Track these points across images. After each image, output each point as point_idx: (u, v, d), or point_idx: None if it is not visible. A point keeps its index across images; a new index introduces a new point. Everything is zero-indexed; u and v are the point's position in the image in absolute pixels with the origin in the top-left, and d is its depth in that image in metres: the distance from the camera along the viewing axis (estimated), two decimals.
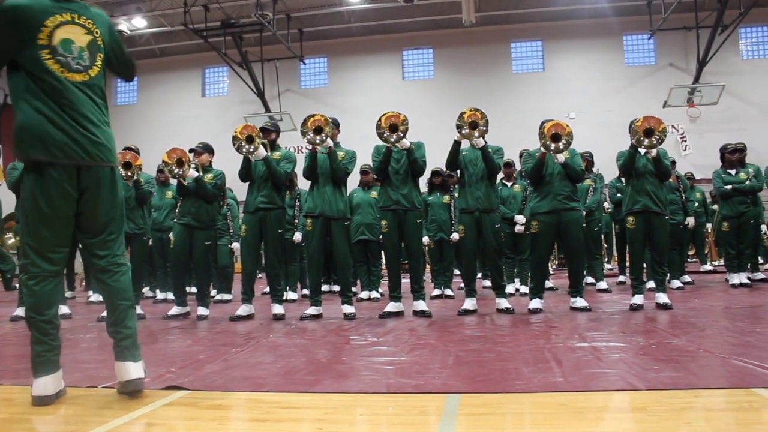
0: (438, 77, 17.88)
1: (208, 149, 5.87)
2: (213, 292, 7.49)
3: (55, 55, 2.36)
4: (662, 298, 5.26)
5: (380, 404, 2.33)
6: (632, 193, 5.38)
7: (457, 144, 5.28)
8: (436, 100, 16.98)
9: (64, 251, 2.46)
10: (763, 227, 8.04)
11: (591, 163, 7.27)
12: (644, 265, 5.54)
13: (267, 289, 6.67)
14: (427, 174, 5.94)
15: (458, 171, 5.60)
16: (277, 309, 5.38)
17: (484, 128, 5.11)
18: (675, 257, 7.32)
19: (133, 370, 2.42)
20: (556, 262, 12.25)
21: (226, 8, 15.63)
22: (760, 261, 8.76)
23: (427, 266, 8.71)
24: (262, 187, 5.39)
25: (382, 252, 6.84)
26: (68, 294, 7.61)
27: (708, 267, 10.44)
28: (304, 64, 17.89)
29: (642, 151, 5.25)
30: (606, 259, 10.05)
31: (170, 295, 7.06)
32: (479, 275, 7.87)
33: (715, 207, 8.92)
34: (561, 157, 5.20)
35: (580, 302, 5.26)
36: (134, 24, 17.01)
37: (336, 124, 5.42)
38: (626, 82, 16.74)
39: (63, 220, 2.42)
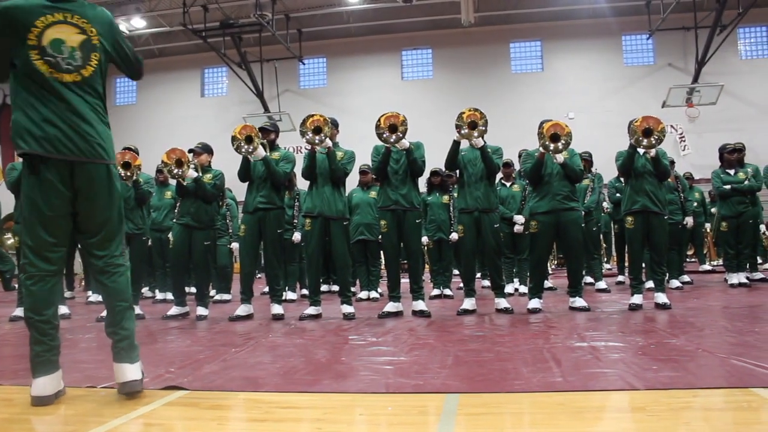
0: (437, 77, 17.88)
1: (207, 149, 5.87)
2: (212, 292, 7.49)
3: (44, 55, 2.36)
4: (661, 297, 5.27)
5: (379, 404, 2.33)
6: (631, 193, 5.38)
7: (456, 144, 5.28)
8: (435, 100, 16.98)
9: (61, 251, 2.45)
10: (762, 227, 8.06)
11: (590, 163, 7.27)
12: (643, 265, 5.54)
13: (266, 289, 6.66)
14: (426, 174, 5.94)
15: (457, 171, 5.60)
16: (277, 309, 5.38)
17: (484, 128, 5.11)
18: (674, 257, 7.33)
19: (129, 371, 2.41)
20: (555, 262, 12.25)
21: (225, 8, 15.62)
22: (759, 261, 8.77)
23: (426, 266, 8.71)
24: (261, 188, 5.39)
25: (381, 252, 6.84)
26: (67, 294, 7.61)
27: (707, 267, 10.45)
28: (303, 64, 17.89)
29: (641, 151, 5.25)
30: (605, 259, 10.05)
31: (169, 295, 7.06)
32: (478, 275, 7.87)
33: (714, 210, 8.91)
34: (560, 157, 5.20)
35: (579, 302, 5.26)
36: (133, 24, 17.00)
37: (335, 125, 5.42)
38: (625, 82, 16.75)
39: (58, 219, 2.41)
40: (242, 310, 5.39)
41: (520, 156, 6.37)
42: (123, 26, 16.59)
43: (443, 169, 6.20)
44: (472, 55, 17.42)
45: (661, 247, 5.39)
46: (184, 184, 5.51)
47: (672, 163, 6.76)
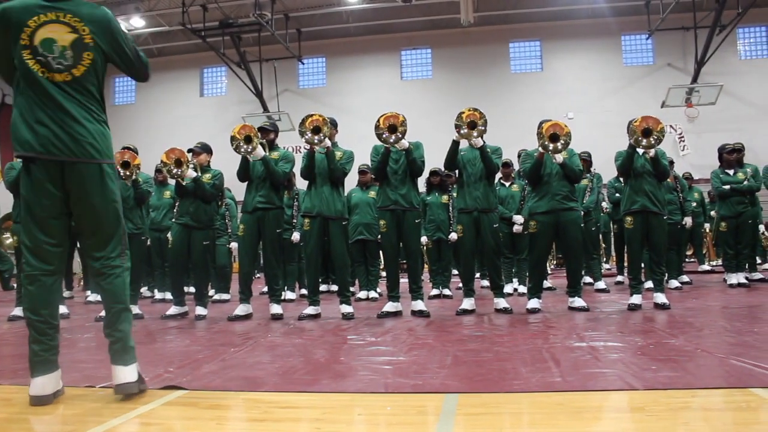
0: (436, 77, 17.88)
1: (206, 149, 5.87)
2: (211, 292, 7.48)
3: (35, 55, 2.36)
4: (660, 298, 5.27)
5: (378, 404, 2.33)
6: (630, 193, 5.38)
7: (455, 144, 5.28)
8: (434, 100, 16.98)
9: (58, 250, 2.44)
10: (761, 227, 8.06)
11: (589, 163, 7.28)
12: (642, 265, 5.54)
13: (265, 289, 6.66)
14: (425, 174, 5.94)
15: (456, 171, 5.60)
16: (276, 309, 5.38)
17: (483, 128, 5.11)
18: (673, 257, 7.34)
19: (122, 374, 2.39)
20: (555, 262, 12.25)
21: (225, 8, 15.61)
22: (758, 261, 8.77)
23: (426, 266, 8.72)
24: (260, 187, 5.39)
25: (381, 252, 6.84)
26: (66, 294, 7.60)
27: (706, 267, 10.45)
28: (303, 64, 17.90)
29: (640, 151, 5.26)
30: (604, 259, 10.04)
31: (168, 295, 7.06)
32: (477, 275, 7.87)
33: (713, 213, 8.91)
34: (559, 158, 5.20)
35: (579, 302, 5.26)
36: (132, 24, 16.98)
37: (334, 124, 5.42)
38: (624, 82, 16.76)
39: (51, 219, 2.40)
40: (241, 309, 5.39)
41: (519, 156, 6.37)
42: (122, 26, 16.51)
43: (442, 169, 6.19)
44: (472, 55, 17.42)
45: (661, 247, 5.40)
46: (183, 183, 5.50)
47: (671, 163, 6.77)
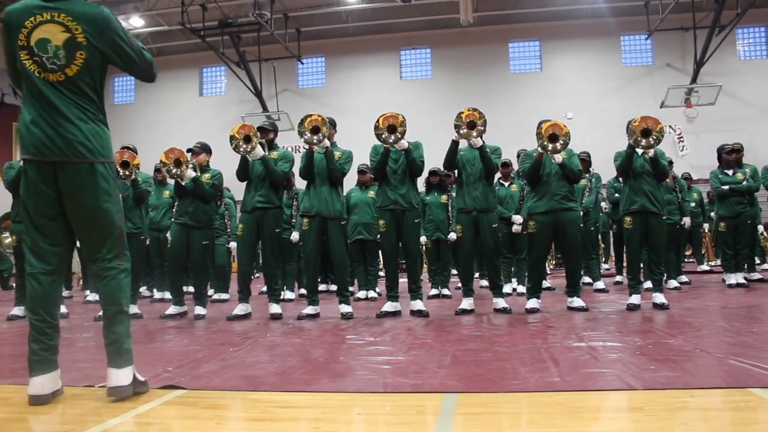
0: (436, 77, 17.88)
1: (205, 149, 5.86)
2: (210, 292, 7.48)
3: (32, 55, 2.37)
4: (659, 298, 5.27)
5: (377, 404, 2.33)
6: (630, 193, 5.39)
7: (455, 144, 5.27)
8: (433, 100, 16.98)
9: (56, 250, 2.44)
10: (760, 227, 8.06)
11: (588, 163, 7.28)
12: (641, 265, 5.55)
13: (264, 289, 6.66)
14: (424, 174, 5.94)
15: (456, 171, 5.60)
16: (275, 308, 5.38)
17: (482, 128, 5.11)
18: (672, 257, 7.34)
19: (115, 377, 2.37)
20: (554, 262, 12.25)
21: (224, 8, 15.60)
22: (757, 261, 8.78)
23: (425, 266, 8.72)
24: (259, 187, 5.39)
25: (380, 251, 6.84)
26: (65, 293, 7.59)
27: (705, 267, 10.46)
28: (302, 63, 17.89)
29: (639, 151, 5.26)
30: (603, 259, 10.05)
31: (167, 295, 7.06)
32: (476, 275, 7.87)
33: (712, 214, 8.92)
34: (558, 158, 5.21)
35: (577, 302, 5.26)
36: (131, 23, 16.96)
37: (333, 124, 5.42)
38: (624, 83, 16.76)
39: (48, 220, 2.41)
40: (240, 309, 5.39)
41: (518, 156, 6.38)
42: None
43: (442, 169, 6.20)
44: (471, 54, 17.42)
45: (660, 247, 5.40)
46: (183, 183, 5.50)
47: (670, 163, 6.77)
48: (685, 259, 10.28)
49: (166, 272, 7.02)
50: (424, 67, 18.17)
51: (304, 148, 5.30)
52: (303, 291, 7.06)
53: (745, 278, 7.26)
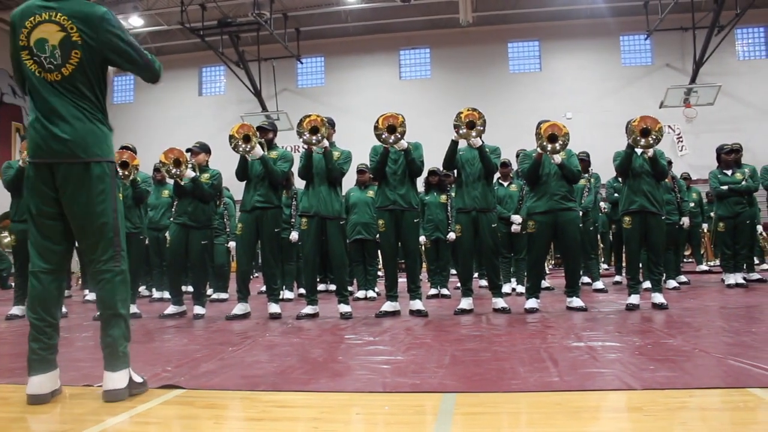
0: (435, 77, 17.88)
1: (205, 149, 5.86)
2: (209, 291, 7.48)
3: (32, 55, 2.37)
4: (658, 297, 5.28)
5: (376, 403, 2.33)
6: (629, 193, 5.39)
7: (454, 144, 5.27)
8: (433, 100, 16.98)
9: (57, 249, 2.44)
10: (759, 227, 8.06)
11: (587, 163, 7.28)
12: (640, 265, 5.55)
13: (263, 288, 6.66)
14: (424, 174, 5.93)
15: (455, 171, 5.60)
16: (274, 308, 5.38)
17: (482, 128, 5.11)
18: (670, 257, 7.34)
19: (110, 380, 2.36)
20: (553, 262, 12.26)
21: (223, 7, 15.59)
22: (756, 261, 8.78)
23: (424, 266, 8.71)
24: (258, 187, 5.39)
25: (379, 251, 6.84)
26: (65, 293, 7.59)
27: (704, 267, 10.46)
28: (301, 63, 17.88)
29: (639, 151, 5.26)
30: (602, 259, 10.06)
31: (166, 294, 7.06)
32: (476, 275, 7.88)
33: (712, 215, 8.92)
34: (557, 158, 5.21)
35: (577, 302, 5.27)
36: (131, 23, 16.94)
37: (331, 124, 5.42)
38: (623, 83, 16.77)
39: (48, 219, 2.41)
40: (239, 309, 5.38)
41: (517, 156, 6.38)
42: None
43: (441, 169, 6.19)
44: (470, 54, 17.42)
45: (659, 247, 5.40)
46: (182, 183, 5.50)
47: (669, 163, 6.77)
48: (684, 259, 10.28)
49: (165, 272, 7.02)
50: (423, 67, 18.18)
51: (303, 147, 5.30)
52: (302, 291, 7.06)
53: (744, 278, 7.27)
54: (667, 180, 6.68)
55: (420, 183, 6.28)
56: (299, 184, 6.19)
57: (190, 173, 5.47)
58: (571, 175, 5.29)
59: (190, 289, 6.45)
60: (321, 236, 5.36)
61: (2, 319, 5.65)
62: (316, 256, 5.47)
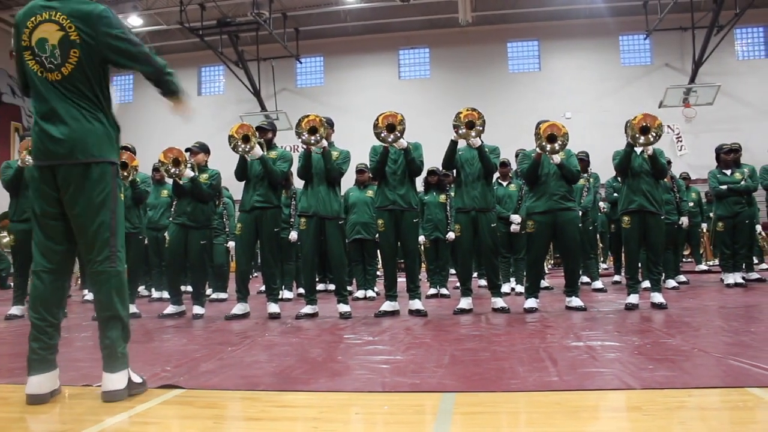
0: (434, 76, 17.88)
1: (204, 149, 5.86)
2: (208, 291, 7.47)
3: (34, 55, 2.37)
4: (657, 297, 5.28)
5: (376, 403, 2.33)
6: (628, 192, 5.39)
7: (453, 144, 5.27)
8: (432, 100, 16.98)
9: (59, 249, 2.44)
10: (758, 227, 8.07)
11: (587, 163, 7.29)
12: (639, 265, 5.55)
13: (263, 288, 6.66)
14: (423, 173, 5.93)
15: (454, 170, 5.60)
16: (273, 308, 5.38)
17: (481, 128, 5.11)
18: (670, 257, 7.34)
19: (109, 381, 2.36)
20: (552, 262, 12.26)
21: (222, 7, 15.58)
22: (755, 261, 8.79)
23: (423, 265, 8.71)
24: (258, 186, 5.39)
25: (378, 251, 6.83)
26: None
27: (703, 267, 10.47)
28: (301, 63, 17.88)
29: (638, 150, 5.26)
30: (601, 259, 10.06)
31: (166, 294, 7.06)
32: (475, 274, 7.88)
33: (711, 215, 8.93)
34: (557, 158, 5.21)
35: (576, 302, 5.27)
36: (130, 22, 16.92)
37: (330, 124, 5.42)
38: (622, 82, 16.78)
39: (50, 219, 2.41)
40: (238, 308, 5.38)
41: (517, 156, 6.38)
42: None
43: (440, 169, 6.19)
44: (470, 54, 17.42)
45: (658, 246, 5.40)
46: (181, 183, 5.49)
47: (669, 163, 6.77)
48: (684, 259, 10.28)
49: (164, 272, 7.02)
50: (422, 67, 18.18)
51: (302, 147, 5.30)
52: (301, 290, 7.06)
53: (743, 278, 7.27)
54: (666, 180, 6.69)
55: (419, 183, 6.28)
56: (298, 183, 6.19)
57: (189, 173, 5.47)
58: (570, 175, 5.29)
59: (189, 288, 6.45)
60: (320, 236, 5.36)
61: (1, 319, 5.65)
62: (315, 256, 5.47)
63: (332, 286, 7.16)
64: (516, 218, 7.08)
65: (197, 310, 5.55)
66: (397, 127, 5.02)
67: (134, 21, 16.99)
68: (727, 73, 15.79)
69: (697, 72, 14.81)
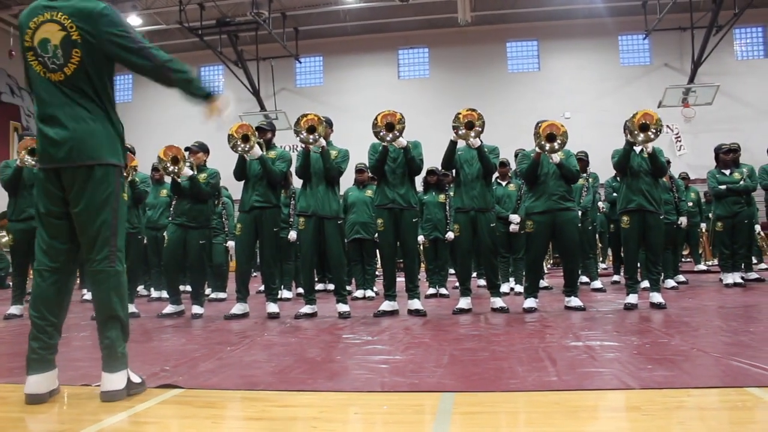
0: (433, 76, 17.89)
1: (203, 148, 5.87)
2: (207, 291, 7.47)
3: (37, 56, 2.37)
4: (656, 297, 5.28)
5: (375, 403, 2.33)
6: (627, 192, 5.39)
7: (453, 144, 5.27)
8: (431, 99, 16.99)
9: (62, 248, 2.43)
10: (757, 227, 8.07)
11: (586, 163, 7.29)
12: (638, 265, 5.55)
13: (262, 288, 6.65)
14: (422, 173, 5.93)
15: (454, 170, 5.60)
16: (272, 307, 5.37)
17: (480, 129, 5.11)
18: (669, 257, 7.35)
19: (108, 381, 2.36)
20: (551, 262, 12.26)
21: (222, 6, 15.58)
22: (754, 261, 8.79)
23: (422, 265, 8.71)
24: (257, 186, 5.38)
25: (377, 250, 6.83)
26: None
27: (702, 267, 10.47)
28: (300, 62, 17.88)
29: (637, 149, 5.26)
30: (600, 259, 10.06)
31: (165, 294, 7.05)
32: (474, 274, 7.88)
33: (710, 215, 8.93)
34: (556, 158, 5.21)
35: (575, 301, 5.27)
36: (130, 22, 16.93)
37: (329, 124, 5.41)
38: (621, 82, 16.79)
39: (54, 219, 2.41)
40: (238, 308, 5.38)
41: (516, 156, 6.38)
42: None
43: (440, 168, 6.19)
44: (469, 54, 17.43)
45: (657, 246, 5.40)
46: (179, 181, 5.49)
47: (668, 163, 6.77)
48: (683, 259, 10.29)
49: (163, 271, 7.01)
50: (422, 67, 18.18)
51: (301, 147, 5.30)
52: (300, 290, 7.06)
53: (742, 278, 7.27)
54: (665, 179, 6.69)
55: (419, 182, 6.28)
56: (297, 183, 6.19)
57: (187, 171, 5.46)
58: (569, 174, 5.29)
59: (188, 288, 6.45)
60: (319, 236, 5.36)
61: (0, 319, 5.64)
62: (314, 255, 5.46)
63: (331, 286, 7.16)
64: (515, 218, 7.08)
65: (196, 309, 5.55)
66: (396, 126, 5.02)
67: (134, 21, 16.96)
68: (726, 73, 15.80)
69: (696, 72, 14.82)
